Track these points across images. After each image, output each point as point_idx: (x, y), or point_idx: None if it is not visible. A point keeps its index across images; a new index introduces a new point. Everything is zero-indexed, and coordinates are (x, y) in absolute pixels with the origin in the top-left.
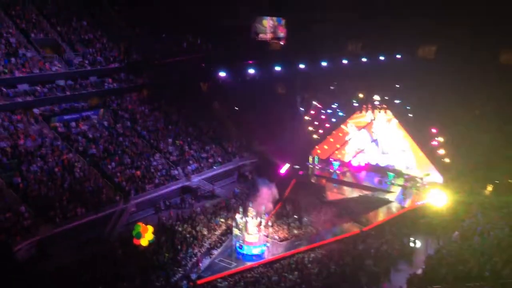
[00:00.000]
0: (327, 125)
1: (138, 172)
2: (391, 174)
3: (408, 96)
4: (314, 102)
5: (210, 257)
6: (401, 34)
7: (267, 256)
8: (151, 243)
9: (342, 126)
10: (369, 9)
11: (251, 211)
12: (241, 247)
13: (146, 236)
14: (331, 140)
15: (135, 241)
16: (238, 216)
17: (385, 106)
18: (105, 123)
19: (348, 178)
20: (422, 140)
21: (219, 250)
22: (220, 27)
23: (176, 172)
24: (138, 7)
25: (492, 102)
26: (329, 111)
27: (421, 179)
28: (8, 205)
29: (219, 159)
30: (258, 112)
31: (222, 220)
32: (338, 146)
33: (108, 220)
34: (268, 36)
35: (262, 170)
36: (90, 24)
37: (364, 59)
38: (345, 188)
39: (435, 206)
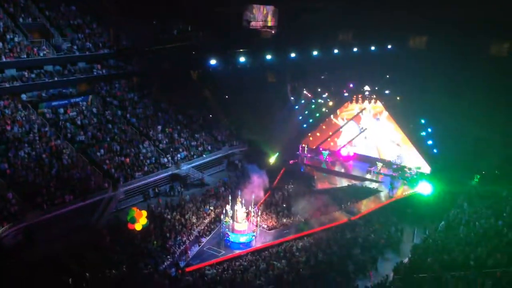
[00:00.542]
0: (317, 114)
1: (127, 160)
2: (379, 163)
3: (398, 86)
4: (305, 91)
5: (199, 245)
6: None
7: (256, 245)
8: (144, 228)
9: (333, 118)
10: None
11: (240, 200)
12: (227, 235)
13: (140, 221)
14: (324, 127)
15: (129, 225)
16: (228, 205)
17: (375, 97)
18: (94, 109)
19: (337, 167)
20: (411, 130)
21: (207, 238)
22: (211, 15)
23: (165, 160)
24: None
25: (481, 93)
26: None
27: (409, 169)
28: None
29: (209, 147)
30: (248, 101)
31: (211, 208)
32: (330, 133)
33: (96, 208)
34: (259, 24)
35: (251, 158)
36: (79, 9)
37: (355, 49)
38: (334, 177)
39: (422, 196)
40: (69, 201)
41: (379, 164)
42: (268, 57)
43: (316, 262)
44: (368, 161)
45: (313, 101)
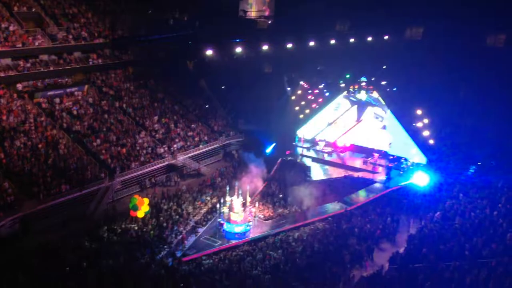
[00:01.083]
0: (314, 105)
1: (124, 150)
2: (376, 154)
3: (394, 77)
4: (301, 82)
5: (195, 235)
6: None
7: (252, 235)
8: (146, 214)
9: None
10: None
11: (237, 190)
12: (222, 224)
13: (143, 208)
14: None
15: (131, 213)
16: (225, 196)
17: (372, 87)
18: (90, 99)
19: (333, 158)
20: (407, 121)
21: (204, 228)
22: (207, 4)
23: (161, 150)
24: None
25: (477, 84)
26: (316, 91)
27: (405, 159)
28: None
29: (205, 138)
30: (245, 91)
31: (208, 198)
32: (327, 124)
33: (93, 198)
34: (256, 14)
35: (248, 148)
36: None
37: (351, 40)
38: (330, 168)
39: (418, 187)
40: (65, 191)
41: (376, 155)
42: (265, 47)
43: (312, 252)
44: (364, 152)
45: (310, 91)
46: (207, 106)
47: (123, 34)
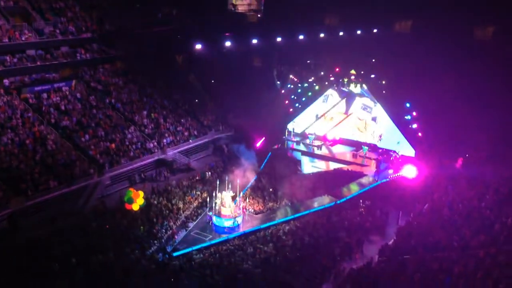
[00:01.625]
0: (303, 99)
1: (113, 145)
2: (365, 147)
3: (383, 70)
4: (291, 76)
5: (186, 230)
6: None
7: (242, 229)
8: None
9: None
10: None
11: (227, 184)
12: (211, 217)
13: (138, 201)
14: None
15: (126, 206)
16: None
17: (361, 80)
18: (78, 95)
19: (323, 151)
20: (396, 114)
21: (194, 223)
22: None
23: (151, 145)
24: None
25: (465, 76)
26: (305, 84)
27: (394, 152)
28: None
29: (195, 132)
30: (234, 85)
31: (198, 193)
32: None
33: (82, 193)
34: (245, 8)
35: (237, 143)
36: None
37: (341, 33)
38: (320, 161)
39: (407, 179)
40: (54, 187)
41: (365, 148)
42: (254, 41)
43: (302, 245)
44: (354, 145)
45: (299, 85)
46: (196, 100)
47: (111, 28)
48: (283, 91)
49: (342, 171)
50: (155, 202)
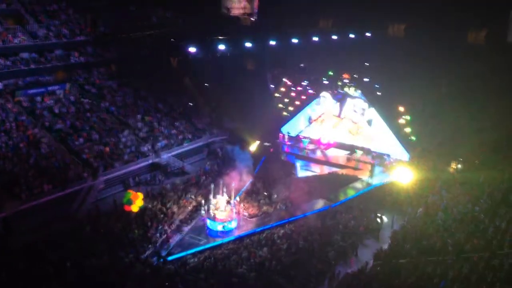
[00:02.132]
0: (297, 102)
1: (107, 149)
2: (359, 151)
3: (377, 74)
4: (285, 79)
5: (180, 234)
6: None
7: (237, 233)
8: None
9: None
10: None
11: (221, 188)
12: (205, 219)
13: (137, 202)
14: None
15: (126, 207)
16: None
17: (354, 84)
18: (72, 98)
19: (317, 155)
20: (389, 117)
21: (189, 226)
22: (190, 1)
23: (145, 148)
24: None
25: (458, 80)
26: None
27: (388, 156)
28: None
29: (189, 136)
30: (229, 89)
31: (192, 197)
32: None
33: (76, 197)
34: (239, 11)
35: (232, 146)
36: None
37: (334, 37)
38: (314, 165)
39: (401, 183)
40: (47, 190)
41: (359, 152)
42: (248, 44)
43: (297, 249)
44: (348, 149)
45: (293, 89)
46: (191, 104)
47: (105, 31)
48: (276, 94)
49: (337, 174)
50: (150, 205)
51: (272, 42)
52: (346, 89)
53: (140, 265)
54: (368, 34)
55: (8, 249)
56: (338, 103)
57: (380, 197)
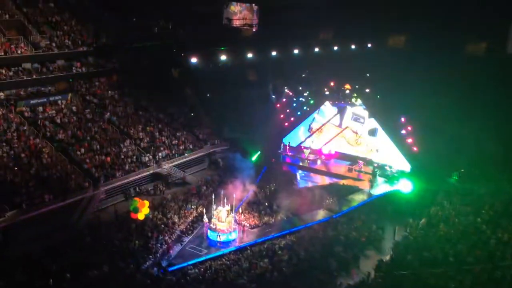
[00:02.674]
0: (299, 113)
1: (108, 159)
2: (360, 162)
3: (378, 85)
4: (286, 90)
5: (181, 244)
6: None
7: (238, 243)
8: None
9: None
10: None
11: (222, 198)
12: (207, 227)
13: (143, 210)
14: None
15: (132, 215)
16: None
17: (356, 95)
18: (74, 108)
19: (319, 165)
20: (391, 128)
21: (190, 237)
22: (192, 12)
23: (146, 158)
24: None
25: (458, 91)
26: (301, 99)
27: (390, 167)
28: None
29: (190, 146)
30: (230, 99)
31: (193, 207)
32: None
33: (77, 207)
34: (240, 22)
35: (233, 157)
36: (57, 5)
37: (335, 48)
38: (315, 175)
39: (402, 194)
40: (48, 200)
41: (360, 162)
42: (249, 55)
43: (298, 260)
44: (349, 159)
45: (294, 99)
46: (192, 114)
47: (107, 42)
48: (278, 105)
49: (338, 185)
50: (150, 216)
51: (273, 53)
52: (347, 99)
53: (140, 276)
54: (369, 45)
55: (8, 259)
56: (339, 114)
57: (381, 208)
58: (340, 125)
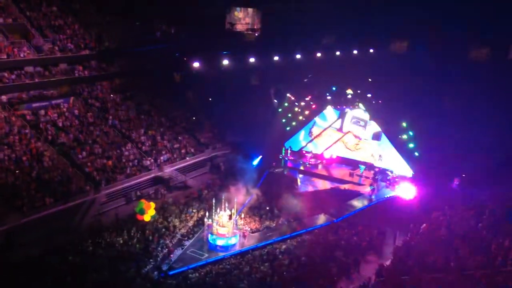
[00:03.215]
0: (301, 117)
1: (109, 162)
2: (362, 166)
3: (380, 90)
4: (288, 94)
5: (182, 248)
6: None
7: (239, 248)
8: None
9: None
10: (343, 1)
11: (223, 202)
12: (210, 227)
13: (149, 212)
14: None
15: (138, 217)
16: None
17: (358, 100)
18: (76, 111)
19: (320, 170)
20: (393, 133)
21: (191, 241)
22: (194, 16)
23: (148, 162)
24: None
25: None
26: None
27: (391, 172)
28: None
29: (192, 150)
30: (232, 103)
31: (195, 211)
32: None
33: (78, 211)
34: (243, 27)
35: (234, 161)
36: (60, 9)
37: (338, 53)
38: (316, 180)
39: (404, 198)
40: (49, 204)
41: (362, 167)
42: (252, 59)
43: (299, 264)
44: (350, 164)
45: (296, 104)
46: (194, 118)
47: (110, 46)
48: (280, 110)
49: (339, 190)
50: (151, 219)
51: (276, 57)
52: (349, 103)
53: (141, 279)
54: (371, 50)
55: (9, 262)
56: (340, 119)
57: (382, 212)
58: (341, 129)
